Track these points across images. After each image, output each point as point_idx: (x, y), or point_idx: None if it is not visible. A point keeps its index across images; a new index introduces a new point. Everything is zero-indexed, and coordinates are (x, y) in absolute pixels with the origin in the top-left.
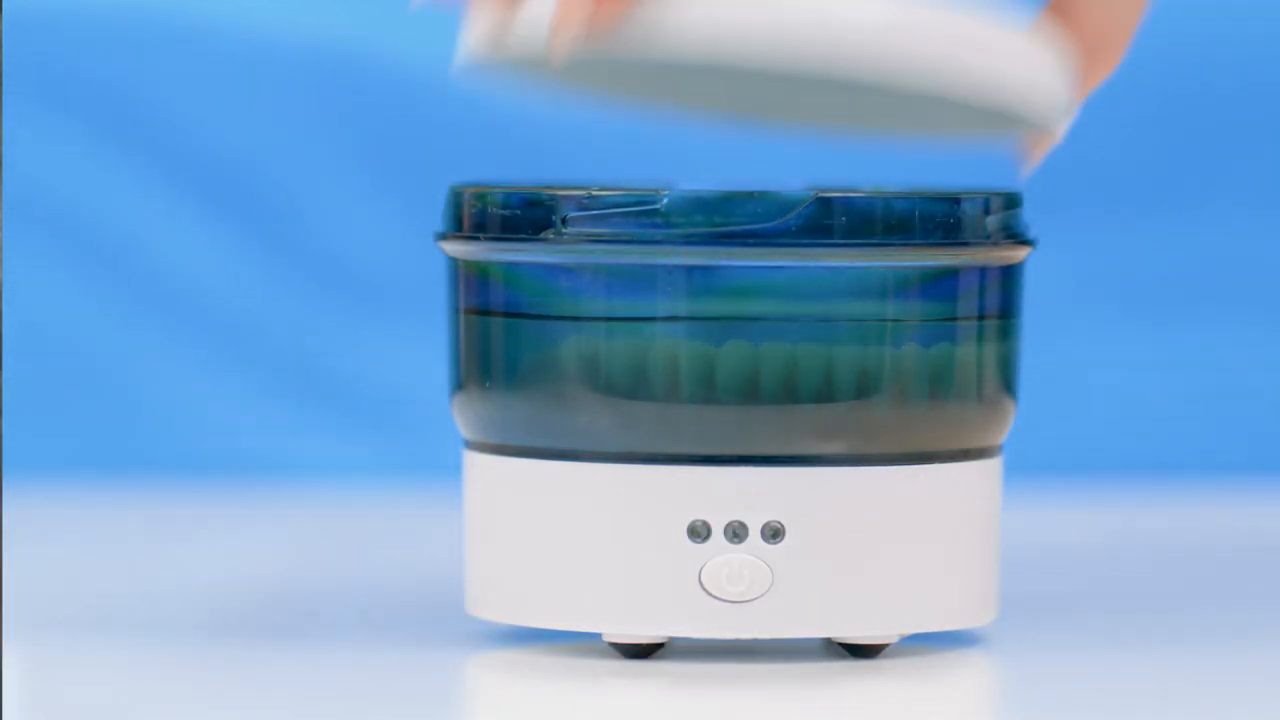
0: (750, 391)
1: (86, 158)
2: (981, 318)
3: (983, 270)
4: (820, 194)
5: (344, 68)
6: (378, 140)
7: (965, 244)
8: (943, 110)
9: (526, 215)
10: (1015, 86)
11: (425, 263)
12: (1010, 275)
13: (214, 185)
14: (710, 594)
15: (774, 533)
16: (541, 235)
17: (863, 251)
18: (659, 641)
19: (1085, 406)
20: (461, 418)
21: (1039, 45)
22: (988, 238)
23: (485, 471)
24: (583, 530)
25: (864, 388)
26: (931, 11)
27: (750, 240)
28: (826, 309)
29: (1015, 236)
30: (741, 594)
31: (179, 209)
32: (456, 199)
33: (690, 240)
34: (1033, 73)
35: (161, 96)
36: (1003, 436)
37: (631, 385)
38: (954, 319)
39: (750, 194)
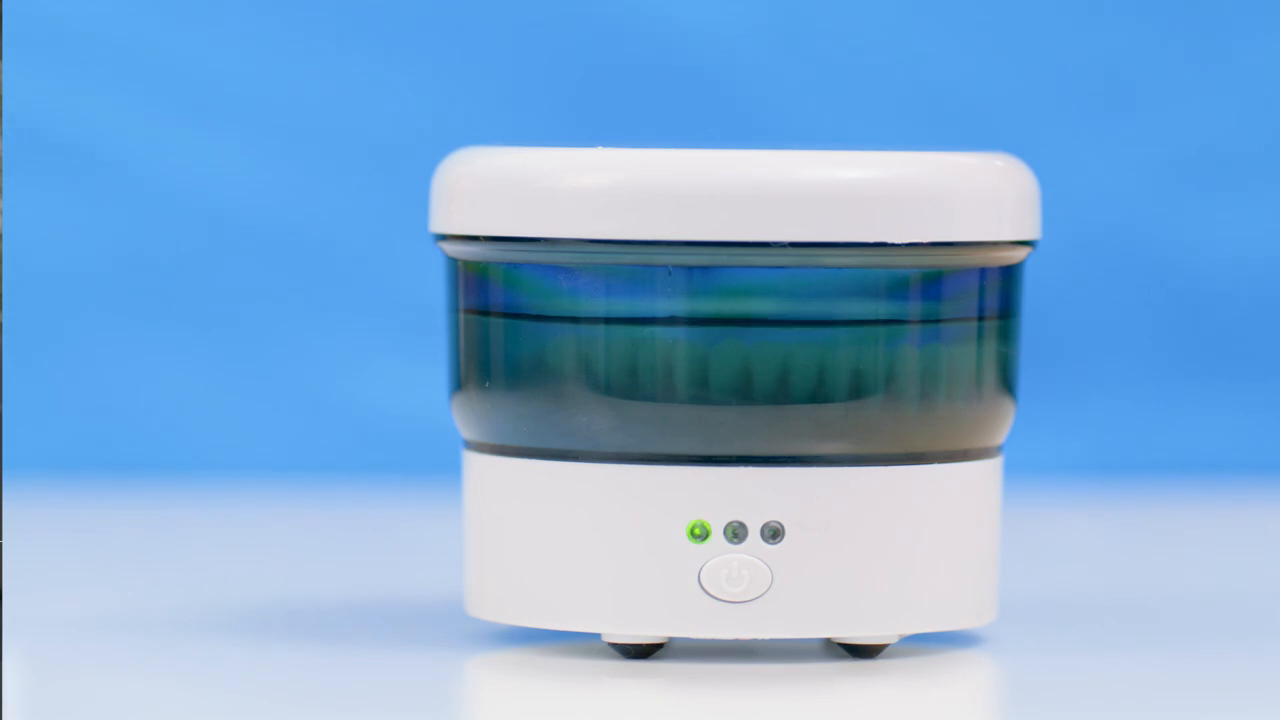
0: (750, 392)
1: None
2: (981, 318)
3: (982, 271)
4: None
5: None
6: (373, 141)
7: (963, 245)
8: None
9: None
10: None
11: (424, 263)
12: (1009, 275)
13: (213, 185)
14: (710, 594)
15: (774, 533)
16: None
17: (860, 252)
18: (659, 642)
19: (1085, 406)
20: (461, 418)
21: None
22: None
23: (485, 471)
24: (582, 530)
25: (864, 388)
26: None
27: (750, 241)
28: (825, 309)
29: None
30: (741, 594)
31: (178, 205)
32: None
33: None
34: None
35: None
36: (1002, 436)
37: (631, 386)
38: (953, 319)
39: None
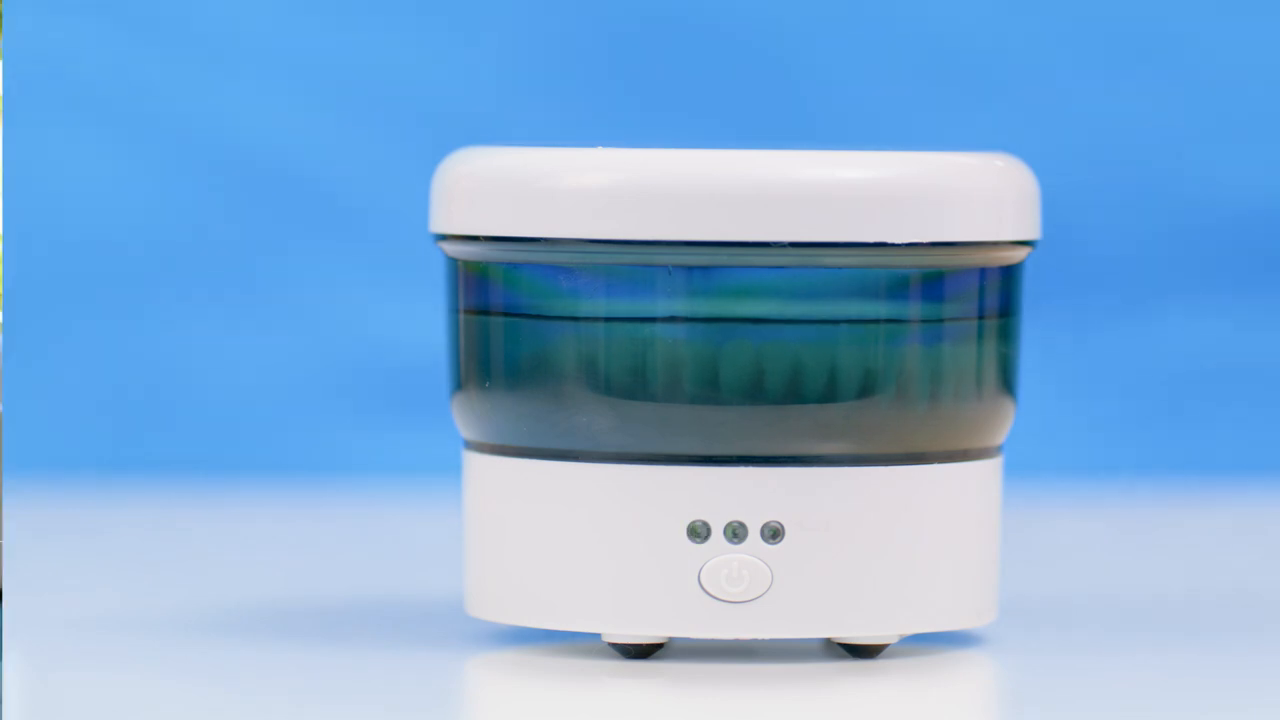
0: (750, 392)
1: (107, 152)
2: (981, 318)
3: (982, 271)
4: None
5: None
6: (382, 132)
7: (964, 245)
8: None
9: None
10: None
11: (429, 263)
12: (1010, 275)
13: (223, 185)
14: (710, 594)
15: (774, 533)
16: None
17: (860, 252)
18: (659, 642)
19: (1085, 406)
20: (461, 418)
21: None
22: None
23: (485, 471)
24: (582, 530)
25: (864, 388)
26: None
27: (750, 241)
28: (827, 309)
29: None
30: (741, 594)
31: (178, 205)
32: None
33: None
34: None
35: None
36: (1003, 436)
37: (631, 385)
38: (954, 319)
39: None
